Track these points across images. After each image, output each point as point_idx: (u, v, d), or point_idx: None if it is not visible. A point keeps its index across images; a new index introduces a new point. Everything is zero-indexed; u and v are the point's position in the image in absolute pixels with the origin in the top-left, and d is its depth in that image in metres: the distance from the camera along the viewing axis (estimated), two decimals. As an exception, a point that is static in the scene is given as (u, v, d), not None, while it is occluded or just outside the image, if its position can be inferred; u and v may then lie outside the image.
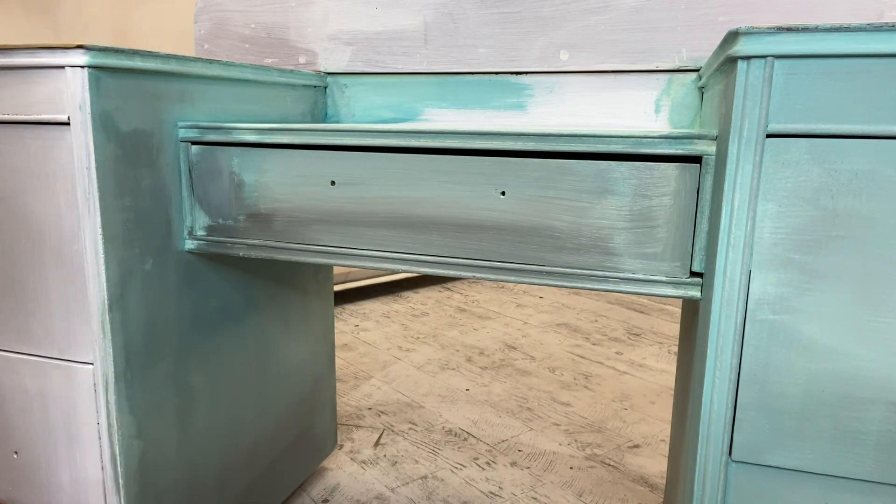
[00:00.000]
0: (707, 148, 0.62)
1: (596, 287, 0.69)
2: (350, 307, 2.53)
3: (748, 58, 0.53)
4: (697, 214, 0.64)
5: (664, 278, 0.66)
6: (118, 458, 0.78)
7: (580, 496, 1.30)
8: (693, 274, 0.65)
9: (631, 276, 0.67)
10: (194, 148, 0.82)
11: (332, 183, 0.77)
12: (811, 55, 0.52)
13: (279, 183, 0.80)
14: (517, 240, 0.71)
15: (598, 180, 0.66)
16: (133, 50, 0.74)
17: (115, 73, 0.72)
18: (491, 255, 0.72)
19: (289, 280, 1.13)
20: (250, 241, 0.82)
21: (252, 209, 0.81)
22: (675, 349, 2.13)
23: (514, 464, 1.41)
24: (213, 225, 0.84)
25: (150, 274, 0.80)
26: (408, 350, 2.08)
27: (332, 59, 1.15)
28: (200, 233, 0.84)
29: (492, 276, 0.73)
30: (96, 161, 0.71)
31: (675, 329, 2.33)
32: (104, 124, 0.72)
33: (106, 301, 0.74)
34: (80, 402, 0.78)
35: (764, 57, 0.53)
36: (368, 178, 0.76)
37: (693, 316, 0.78)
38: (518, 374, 1.90)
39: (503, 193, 0.70)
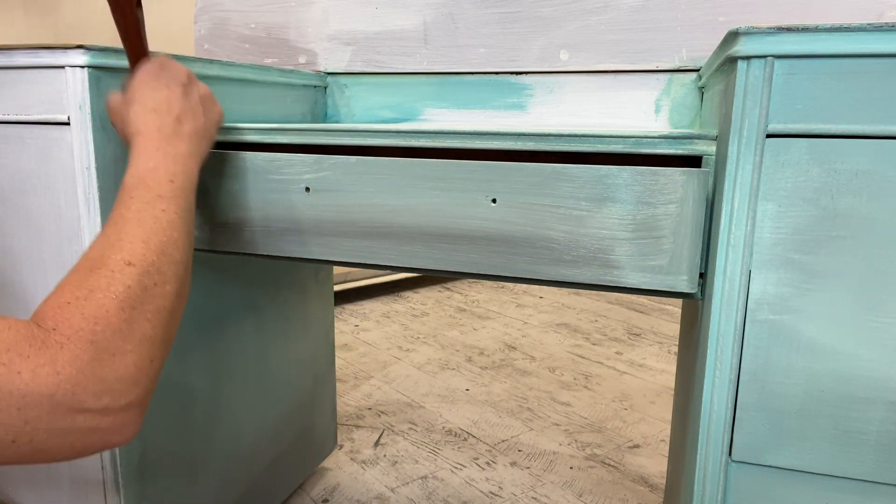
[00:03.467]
0: (707, 148, 0.62)
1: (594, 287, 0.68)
2: (350, 307, 2.53)
3: (748, 58, 0.53)
4: (706, 223, 0.61)
5: (670, 290, 0.64)
6: (118, 458, 0.78)
7: (580, 496, 1.30)
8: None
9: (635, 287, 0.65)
10: None
11: (307, 189, 0.73)
12: (811, 55, 0.52)
13: (248, 189, 0.75)
14: (509, 251, 0.67)
15: (598, 186, 0.62)
16: (133, 50, 0.74)
17: (116, 73, 0.72)
18: (481, 267, 0.68)
19: (288, 280, 1.13)
20: (219, 251, 0.79)
21: (219, 218, 0.77)
22: (675, 349, 2.13)
23: (514, 464, 1.41)
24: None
25: (150, 274, 0.79)
26: (408, 350, 2.08)
27: (332, 59, 1.15)
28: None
29: (484, 278, 0.72)
30: (96, 161, 0.71)
31: (675, 329, 2.33)
32: (104, 124, 0.72)
33: (106, 301, 0.74)
34: (80, 402, 0.78)
35: (764, 57, 0.53)
36: (346, 184, 0.71)
37: (693, 316, 0.78)
38: (518, 374, 1.90)
39: (494, 201, 0.66)
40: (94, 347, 0.47)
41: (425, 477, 1.36)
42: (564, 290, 2.75)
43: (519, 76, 1.05)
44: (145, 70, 0.66)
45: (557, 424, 1.60)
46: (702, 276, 0.64)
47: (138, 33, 0.67)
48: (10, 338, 0.45)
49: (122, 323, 0.49)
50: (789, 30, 0.52)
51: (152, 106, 0.63)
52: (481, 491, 1.31)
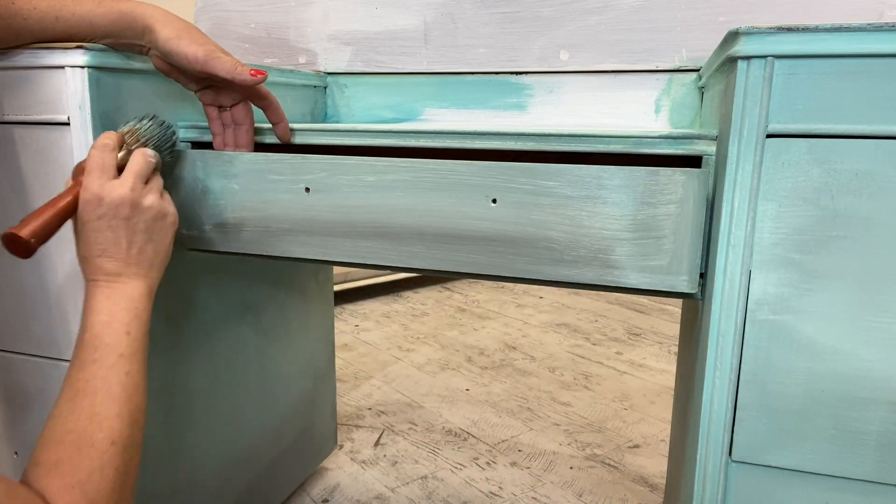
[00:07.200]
0: (707, 148, 0.62)
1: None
2: (350, 307, 2.53)
3: (748, 58, 0.53)
4: (706, 223, 0.61)
5: (671, 290, 0.64)
6: (118, 458, 0.78)
7: (580, 496, 1.30)
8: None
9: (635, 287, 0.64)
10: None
11: (307, 189, 0.72)
12: (811, 55, 0.52)
13: (247, 189, 0.75)
14: (510, 252, 0.66)
15: (598, 186, 0.62)
16: (133, 50, 0.74)
17: (115, 73, 0.72)
18: (481, 267, 0.68)
19: (288, 280, 1.13)
20: (219, 251, 0.79)
21: (218, 218, 0.77)
22: (675, 349, 2.13)
23: (514, 464, 1.41)
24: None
25: (150, 274, 0.79)
26: (408, 350, 2.08)
27: (332, 59, 1.15)
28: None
29: (484, 278, 0.72)
30: (96, 161, 0.71)
31: (675, 329, 2.33)
32: (104, 124, 0.72)
33: (106, 301, 0.74)
34: (80, 402, 0.78)
35: (764, 57, 0.53)
36: (346, 184, 0.70)
37: (693, 316, 0.78)
38: (518, 374, 1.90)
39: (494, 201, 0.65)
40: None
41: (425, 477, 1.36)
42: (564, 290, 2.75)
43: (519, 76, 1.05)
44: (84, 209, 0.63)
45: (557, 424, 1.60)
46: (702, 276, 0.64)
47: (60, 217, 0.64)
48: None
49: None
50: (789, 30, 0.52)
51: (98, 251, 0.63)
52: (481, 491, 1.31)
